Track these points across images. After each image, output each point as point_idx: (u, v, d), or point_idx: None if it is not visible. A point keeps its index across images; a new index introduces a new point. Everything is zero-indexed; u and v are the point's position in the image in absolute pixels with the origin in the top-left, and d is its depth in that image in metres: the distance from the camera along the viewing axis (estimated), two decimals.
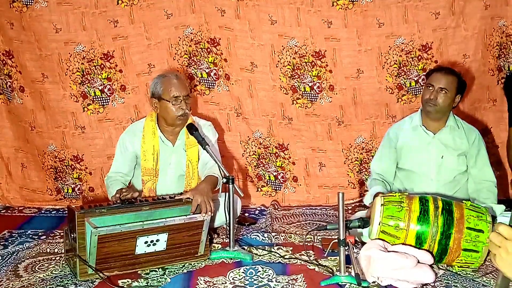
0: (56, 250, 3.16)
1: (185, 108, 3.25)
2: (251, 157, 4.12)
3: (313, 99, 4.01)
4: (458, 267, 2.83)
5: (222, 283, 2.69)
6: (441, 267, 2.85)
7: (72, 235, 2.69)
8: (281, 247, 3.17)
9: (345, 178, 4.12)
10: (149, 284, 2.70)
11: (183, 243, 2.87)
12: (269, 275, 2.78)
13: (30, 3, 3.80)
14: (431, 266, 2.74)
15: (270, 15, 3.89)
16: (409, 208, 2.83)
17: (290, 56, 3.94)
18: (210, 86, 4.04)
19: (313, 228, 3.48)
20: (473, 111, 4.06)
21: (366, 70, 3.96)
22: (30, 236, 3.45)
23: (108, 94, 3.97)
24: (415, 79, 3.98)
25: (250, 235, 3.39)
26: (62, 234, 3.22)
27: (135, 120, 3.89)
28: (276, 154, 4.11)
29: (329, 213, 3.89)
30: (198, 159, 3.37)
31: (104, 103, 3.97)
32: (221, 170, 3.05)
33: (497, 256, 1.29)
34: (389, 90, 3.99)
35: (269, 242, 3.29)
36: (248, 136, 4.09)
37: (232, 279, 2.75)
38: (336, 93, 4.00)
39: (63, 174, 4.09)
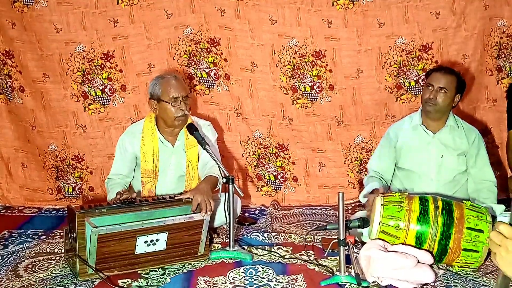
0: (56, 250, 3.16)
1: (184, 109, 3.24)
2: (251, 157, 4.12)
3: (313, 99, 4.01)
4: (458, 267, 2.83)
5: (222, 283, 2.69)
6: (441, 267, 2.85)
7: (72, 235, 2.69)
8: (281, 247, 3.17)
9: (345, 178, 4.12)
10: (149, 284, 2.70)
11: (183, 243, 2.87)
12: (269, 275, 2.78)
13: (31, 3, 3.81)
14: (431, 266, 2.74)
15: (270, 15, 3.89)
16: (409, 208, 2.83)
17: (290, 56, 3.95)
18: (210, 86, 4.04)
19: (313, 228, 3.48)
20: (473, 111, 4.06)
21: (366, 70, 3.96)
22: (30, 236, 3.45)
23: (109, 94, 3.97)
24: (415, 79, 3.98)
25: (250, 235, 3.39)
26: (62, 234, 3.23)
27: (135, 120, 3.90)
28: (276, 154, 4.12)
29: (329, 213, 3.89)
30: (198, 159, 3.37)
31: (105, 103, 3.98)
32: (221, 170, 3.05)
33: (497, 255, 1.30)
34: (389, 90, 3.99)
35: (269, 242, 3.29)
36: (248, 136, 4.09)
37: (232, 279, 2.75)
38: (336, 93, 4.00)
39: (65, 174, 4.09)
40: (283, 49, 3.94)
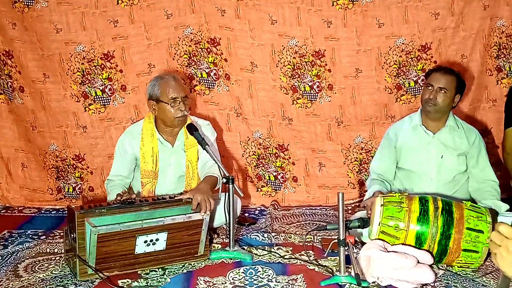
0: (56, 250, 3.16)
1: (184, 109, 3.24)
2: (250, 157, 4.12)
3: (312, 99, 4.01)
4: (458, 267, 2.83)
5: (222, 283, 2.69)
6: (441, 267, 2.85)
7: (72, 235, 2.69)
8: (281, 247, 3.17)
9: (345, 179, 4.12)
10: (149, 284, 2.70)
11: (182, 243, 2.87)
12: (269, 275, 2.78)
13: (31, 3, 3.81)
14: (431, 266, 2.74)
15: (270, 14, 3.89)
16: (409, 208, 2.83)
17: (291, 56, 3.95)
18: (210, 86, 4.04)
19: (313, 228, 3.48)
20: (473, 111, 4.06)
21: (365, 70, 3.96)
22: (30, 236, 3.45)
23: (109, 94, 3.97)
24: (414, 79, 3.98)
25: (250, 235, 3.39)
26: (62, 234, 3.22)
27: (135, 120, 3.90)
28: (276, 155, 4.12)
29: (329, 213, 3.89)
30: (198, 159, 3.37)
31: (105, 103, 3.98)
32: (221, 170, 3.05)
33: (498, 255, 1.30)
34: (388, 90, 3.99)
35: (269, 242, 3.29)
36: (248, 137, 4.09)
37: (232, 279, 2.75)
38: (335, 93, 4.00)
39: (65, 174, 4.09)
40: (283, 49, 3.94)
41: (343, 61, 3.96)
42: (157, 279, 2.75)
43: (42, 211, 4.01)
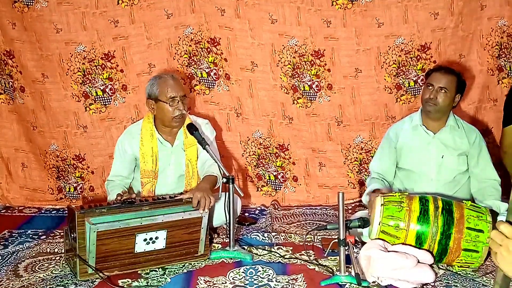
0: (56, 250, 3.16)
1: (182, 108, 3.24)
2: (250, 157, 4.12)
3: (312, 98, 4.01)
4: (458, 267, 2.83)
5: (222, 283, 2.69)
6: (441, 267, 2.85)
7: (72, 235, 2.69)
8: (281, 247, 3.17)
9: (345, 178, 4.12)
10: (149, 284, 2.70)
11: (182, 242, 2.88)
12: (269, 275, 2.78)
13: (31, 3, 3.81)
14: (431, 266, 2.74)
15: (270, 14, 3.89)
16: (409, 208, 2.83)
17: (291, 56, 3.95)
18: (210, 86, 4.04)
19: (313, 228, 3.48)
20: (474, 111, 4.06)
21: (365, 69, 3.97)
22: (30, 236, 3.45)
23: (110, 93, 3.97)
24: (414, 79, 3.98)
25: (250, 235, 3.39)
26: (62, 234, 3.23)
27: (135, 120, 3.90)
28: (276, 154, 4.11)
29: (329, 213, 3.89)
30: (197, 158, 3.37)
31: (106, 103, 3.98)
32: (220, 169, 3.06)
33: (498, 255, 1.29)
34: (388, 90, 3.99)
35: (269, 242, 3.29)
36: (248, 137, 4.09)
37: (232, 279, 2.75)
38: (335, 92, 4.00)
39: (65, 173, 4.09)
40: (283, 48, 3.94)
41: (342, 61, 3.96)
42: (157, 279, 2.75)
43: (42, 211, 4.01)
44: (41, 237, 3.41)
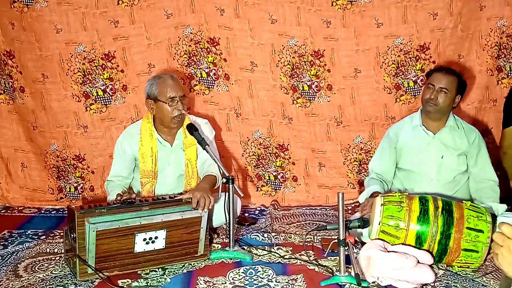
0: (56, 250, 3.16)
1: (181, 108, 3.24)
2: (250, 157, 4.12)
3: (311, 98, 4.01)
4: (458, 267, 2.83)
5: (222, 283, 2.70)
6: (441, 267, 2.85)
7: (72, 235, 2.69)
8: (281, 247, 3.17)
9: (345, 179, 4.12)
10: (149, 284, 2.70)
11: (182, 241, 2.88)
12: (269, 275, 2.78)
13: (31, 3, 3.80)
14: (431, 266, 2.74)
15: (270, 14, 3.89)
16: (409, 208, 2.83)
17: (290, 56, 3.95)
18: (210, 86, 4.04)
19: (313, 228, 3.48)
20: (473, 111, 4.06)
21: (364, 69, 3.97)
22: (30, 236, 3.45)
23: (111, 93, 3.97)
24: (413, 79, 3.99)
25: (250, 235, 3.39)
26: (62, 234, 3.22)
27: (135, 120, 3.90)
28: (276, 154, 4.12)
29: (329, 213, 3.89)
30: (197, 157, 3.37)
31: (107, 103, 3.98)
32: (220, 169, 3.06)
33: (499, 255, 1.29)
34: (387, 90, 4.00)
35: (269, 242, 3.29)
36: (247, 137, 4.09)
37: (232, 279, 2.75)
38: (334, 93, 4.00)
39: (66, 173, 4.10)
40: (283, 48, 3.94)
41: (342, 61, 3.96)
42: (157, 279, 2.75)
43: (42, 211, 4.01)
44: (41, 237, 3.41)
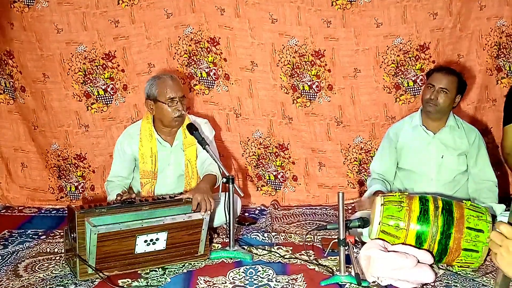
0: (56, 250, 3.16)
1: (181, 109, 3.24)
2: (250, 157, 4.12)
3: (312, 98, 4.02)
4: (458, 267, 2.83)
5: (222, 283, 2.69)
6: (441, 267, 2.85)
7: (72, 235, 2.69)
8: (281, 247, 3.17)
9: (345, 178, 4.13)
10: (149, 284, 2.70)
11: (182, 242, 2.87)
12: (269, 275, 2.78)
13: (31, 3, 3.81)
14: (431, 266, 2.74)
15: (271, 13, 3.89)
16: (409, 208, 2.83)
17: (290, 55, 3.95)
18: (210, 86, 4.04)
19: (313, 228, 3.48)
20: (473, 111, 4.06)
21: (364, 69, 3.97)
22: (30, 236, 3.45)
23: (111, 93, 3.98)
24: (413, 79, 3.99)
25: (250, 235, 3.39)
26: (62, 234, 3.22)
27: (135, 120, 3.90)
28: (276, 154, 4.12)
29: (329, 213, 3.89)
30: (197, 157, 3.37)
31: (108, 102, 3.98)
32: (220, 169, 3.06)
33: (498, 255, 1.30)
34: (387, 89, 4.00)
35: (269, 242, 3.29)
36: (247, 137, 4.10)
37: (232, 279, 2.75)
38: (335, 93, 4.00)
39: (67, 173, 4.10)
40: (283, 48, 3.94)
41: (342, 61, 3.97)
42: (157, 278, 2.75)
43: (42, 211, 4.01)
44: (41, 237, 3.41)
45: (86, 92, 3.96)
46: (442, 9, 3.88)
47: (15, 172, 4.18)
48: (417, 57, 3.96)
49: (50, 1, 3.81)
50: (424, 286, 2.64)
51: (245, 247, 3.13)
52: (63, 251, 3.03)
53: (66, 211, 2.93)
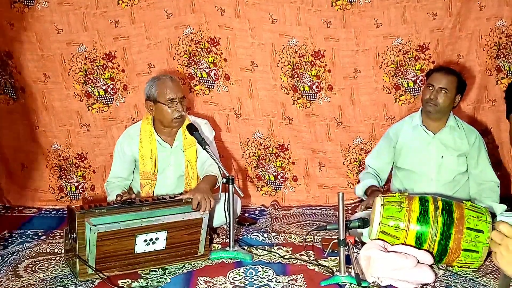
0: (56, 250, 3.16)
1: (181, 110, 3.24)
2: (250, 158, 4.12)
3: (312, 99, 4.02)
4: (458, 267, 2.83)
5: (222, 283, 2.70)
6: (441, 267, 2.85)
7: (72, 235, 2.69)
8: (281, 247, 3.17)
9: (345, 179, 4.12)
10: (149, 284, 2.70)
11: (182, 242, 2.88)
12: (269, 275, 2.78)
13: (31, 4, 3.81)
14: (431, 266, 2.74)
15: (271, 13, 3.89)
16: (409, 208, 2.83)
17: (291, 56, 3.95)
18: (210, 86, 4.04)
19: (313, 228, 3.49)
20: (472, 111, 4.06)
21: (363, 70, 3.98)
22: (30, 236, 3.45)
23: (112, 93, 3.98)
24: (413, 79, 3.99)
25: (250, 235, 3.39)
26: (62, 234, 3.22)
27: (135, 120, 3.91)
28: (276, 154, 4.12)
29: (329, 213, 3.90)
30: (197, 158, 3.37)
31: (108, 102, 3.99)
32: (220, 169, 3.06)
33: (498, 254, 1.30)
34: (386, 90, 4.00)
35: (269, 242, 3.29)
36: (248, 138, 4.10)
37: (232, 279, 2.75)
38: (335, 93, 4.01)
39: (68, 172, 4.10)
40: (283, 48, 3.95)
41: (342, 62, 3.97)
42: (157, 279, 2.75)
43: (42, 211, 4.01)
44: (41, 237, 3.41)
45: (87, 92, 3.96)
46: (442, 10, 3.88)
47: (15, 172, 4.17)
48: (416, 57, 3.96)
49: (50, 1, 3.81)
50: (424, 287, 2.65)
51: (245, 248, 3.13)
52: (63, 251, 3.03)
53: (66, 211, 2.93)
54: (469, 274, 2.79)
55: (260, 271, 2.83)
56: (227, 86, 4.02)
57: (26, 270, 2.88)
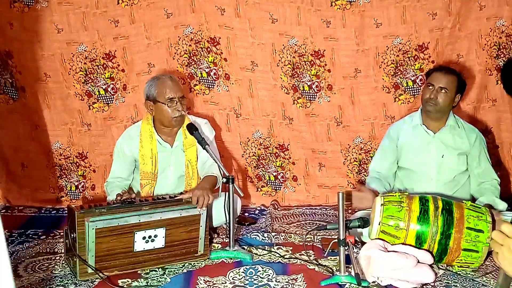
0: (56, 250, 3.16)
1: (181, 109, 3.24)
2: (250, 157, 4.12)
3: (311, 99, 4.02)
4: (458, 267, 2.83)
5: (222, 283, 2.70)
6: (441, 267, 2.85)
7: (72, 235, 2.69)
8: (281, 247, 3.17)
9: (345, 179, 4.12)
10: (149, 284, 2.70)
11: (181, 240, 2.88)
12: (269, 275, 2.78)
13: (31, 3, 3.81)
14: (431, 266, 2.75)
15: (271, 13, 3.89)
16: (409, 208, 2.83)
17: (291, 55, 3.95)
18: (210, 86, 4.04)
19: (313, 228, 3.48)
20: (472, 111, 4.06)
21: (363, 69, 3.98)
22: (30, 236, 3.44)
23: (112, 93, 3.98)
24: (412, 79, 3.99)
25: (250, 235, 3.39)
26: (62, 234, 3.22)
27: (135, 119, 3.90)
28: (276, 154, 4.12)
29: (329, 213, 3.90)
30: (197, 158, 3.37)
31: (109, 102, 3.99)
32: (220, 169, 3.06)
33: (499, 254, 1.29)
34: (386, 89, 4.00)
35: (269, 242, 3.29)
36: (248, 137, 4.09)
37: (232, 279, 2.75)
38: (335, 93, 4.01)
39: (68, 172, 4.10)
40: (283, 48, 3.94)
41: (342, 61, 3.97)
42: (157, 278, 2.75)
43: (42, 211, 4.00)
44: (41, 237, 3.41)
45: (88, 91, 3.97)
46: (442, 9, 3.89)
47: (15, 172, 4.17)
48: (416, 57, 3.96)
49: (50, 1, 3.81)
50: (424, 286, 2.65)
51: (245, 247, 3.14)
52: (63, 251, 3.03)
53: (66, 211, 2.93)
54: (469, 273, 2.79)
55: (260, 271, 2.83)
56: (227, 86, 4.02)
57: (26, 269, 2.88)
